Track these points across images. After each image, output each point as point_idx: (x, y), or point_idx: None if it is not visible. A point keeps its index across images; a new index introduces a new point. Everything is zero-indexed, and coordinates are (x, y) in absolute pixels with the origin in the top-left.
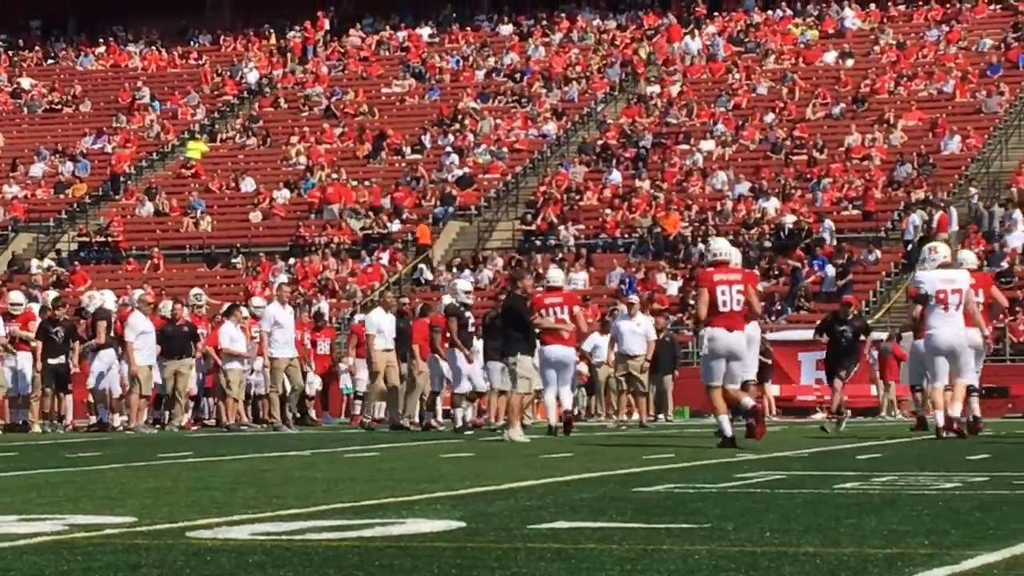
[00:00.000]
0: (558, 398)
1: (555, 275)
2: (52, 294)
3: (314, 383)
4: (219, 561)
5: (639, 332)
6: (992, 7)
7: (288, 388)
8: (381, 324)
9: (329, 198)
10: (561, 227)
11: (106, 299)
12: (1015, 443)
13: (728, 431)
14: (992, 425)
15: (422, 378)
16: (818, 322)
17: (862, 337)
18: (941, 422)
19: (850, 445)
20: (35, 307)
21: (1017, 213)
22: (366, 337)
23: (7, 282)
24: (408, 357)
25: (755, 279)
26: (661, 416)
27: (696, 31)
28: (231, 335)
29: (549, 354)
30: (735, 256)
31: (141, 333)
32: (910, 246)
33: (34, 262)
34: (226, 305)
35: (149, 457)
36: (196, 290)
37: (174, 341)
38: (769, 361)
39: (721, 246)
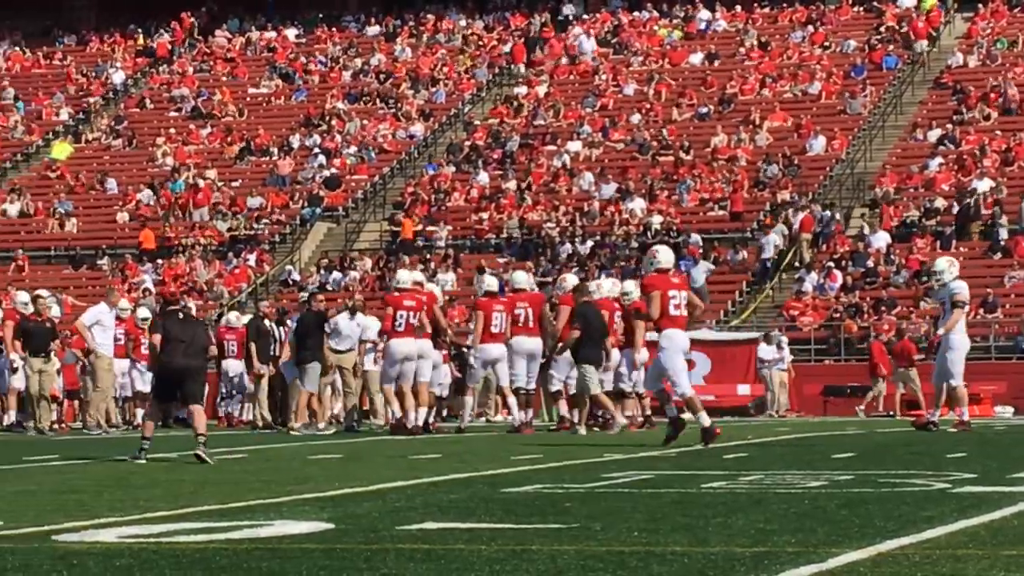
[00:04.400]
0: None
1: (403, 276)
2: None
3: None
4: (86, 564)
5: None
6: (856, 9)
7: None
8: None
9: (197, 201)
10: (434, 228)
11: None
12: (880, 442)
13: (706, 422)
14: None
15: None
16: None
17: None
18: None
19: (718, 445)
20: None
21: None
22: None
23: None
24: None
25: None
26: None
27: (563, 32)
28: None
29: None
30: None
31: None
32: (768, 263)
33: None
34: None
35: (14, 460)
36: (42, 291)
37: (37, 338)
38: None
39: (668, 256)
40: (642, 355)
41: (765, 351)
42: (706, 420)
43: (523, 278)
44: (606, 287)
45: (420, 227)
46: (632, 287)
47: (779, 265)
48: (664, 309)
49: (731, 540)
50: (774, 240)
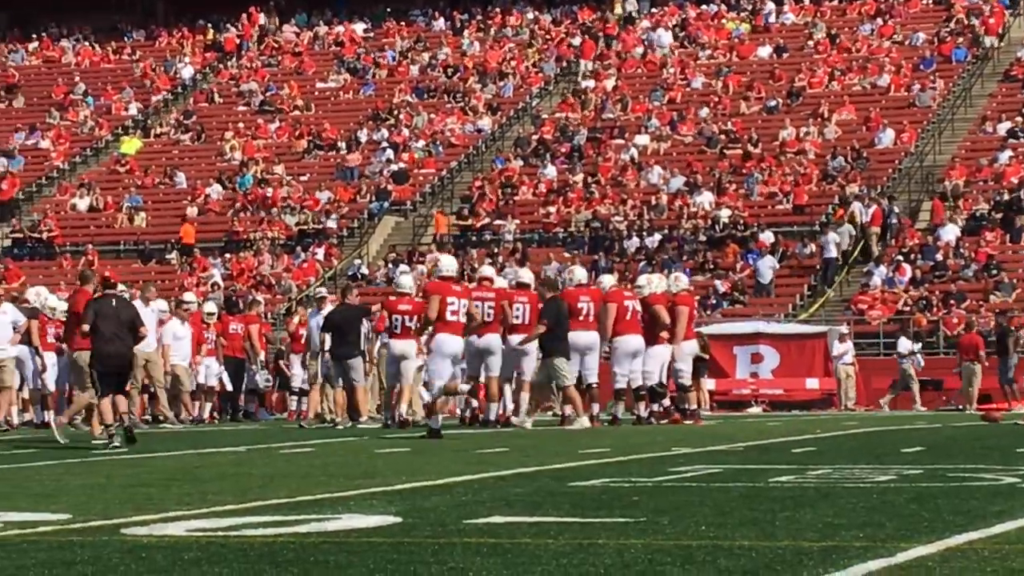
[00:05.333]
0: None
1: (579, 273)
2: None
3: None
4: (154, 558)
5: None
6: (925, 1)
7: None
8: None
9: (266, 194)
10: (502, 221)
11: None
12: (949, 436)
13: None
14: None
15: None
16: None
17: None
18: None
19: (785, 439)
20: None
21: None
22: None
23: None
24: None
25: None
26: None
27: (630, 26)
28: (173, 331)
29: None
30: None
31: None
32: (829, 265)
33: None
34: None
35: (83, 454)
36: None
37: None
38: (705, 356)
39: (450, 263)
40: (689, 347)
41: (837, 347)
42: (437, 423)
43: (582, 274)
44: (656, 283)
45: (487, 220)
46: (644, 281)
47: (847, 259)
48: (441, 314)
49: (799, 534)
50: (834, 239)
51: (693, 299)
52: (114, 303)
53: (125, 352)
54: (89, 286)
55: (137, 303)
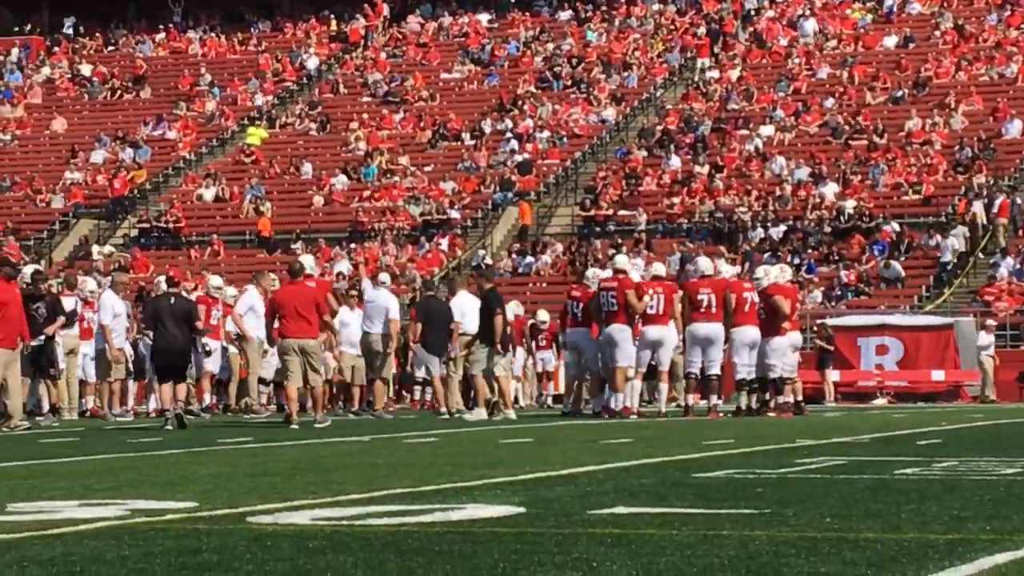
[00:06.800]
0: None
1: (703, 264)
2: (30, 268)
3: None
4: (280, 546)
5: None
6: None
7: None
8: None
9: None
10: (628, 212)
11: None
12: None
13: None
14: None
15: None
16: None
17: None
18: None
19: (911, 431)
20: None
21: None
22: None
23: (68, 267)
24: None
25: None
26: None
27: (755, 16)
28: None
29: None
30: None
31: (115, 315)
32: (949, 266)
33: (95, 248)
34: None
35: (210, 443)
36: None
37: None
38: (831, 347)
39: (309, 262)
40: (792, 339)
41: (983, 337)
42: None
43: (706, 264)
44: (774, 274)
45: (611, 211)
46: (762, 273)
47: (973, 250)
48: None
49: (925, 527)
50: (952, 244)
51: (796, 290)
52: (172, 301)
53: (180, 346)
54: (299, 279)
55: (252, 290)
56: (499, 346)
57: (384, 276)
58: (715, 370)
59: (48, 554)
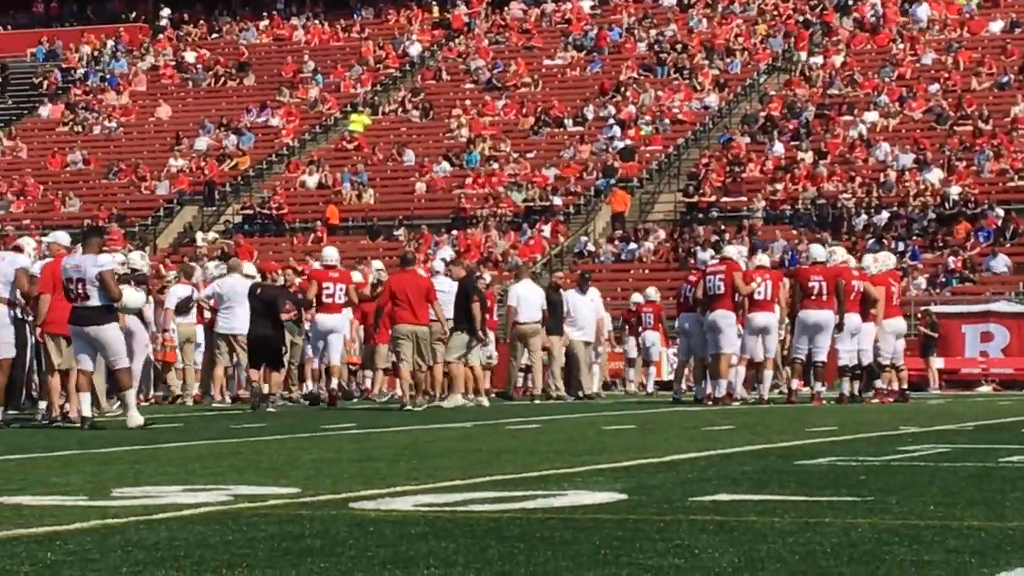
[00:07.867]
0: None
1: (816, 251)
2: (136, 255)
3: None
4: (382, 532)
5: None
6: None
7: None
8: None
9: (492, 172)
10: (731, 198)
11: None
12: None
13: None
14: None
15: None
16: None
17: None
18: None
19: (1016, 418)
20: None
21: None
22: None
23: (172, 254)
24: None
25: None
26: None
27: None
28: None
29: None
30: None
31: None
32: None
33: (199, 235)
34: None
35: (313, 428)
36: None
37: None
38: (935, 334)
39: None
40: (895, 326)
41: None
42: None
43: (819, 251)
44: (883, 260)
45: (714, 198)
46: (869, 261)
47: None
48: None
49: None
50: None
51: (888, 278)
52: (258, 291)
53: (266, 333)
54: (411, 267)
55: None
56: (480, 333)
57: (437, 264)
58: (821, 356)
59: (152, 539)
